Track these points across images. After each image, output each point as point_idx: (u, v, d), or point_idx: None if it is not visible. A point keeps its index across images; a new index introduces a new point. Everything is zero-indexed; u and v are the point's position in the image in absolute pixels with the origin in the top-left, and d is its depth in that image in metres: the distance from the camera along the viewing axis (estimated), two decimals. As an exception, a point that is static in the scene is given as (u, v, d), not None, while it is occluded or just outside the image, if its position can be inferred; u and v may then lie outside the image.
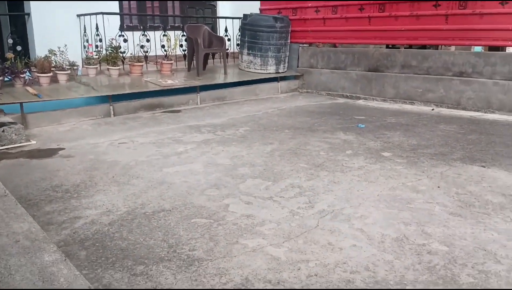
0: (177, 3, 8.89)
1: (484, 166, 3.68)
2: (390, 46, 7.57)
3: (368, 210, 2.84)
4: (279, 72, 7.87)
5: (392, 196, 3.06)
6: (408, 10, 6.62)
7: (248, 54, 7.81)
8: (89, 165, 3.81)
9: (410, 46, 7.26)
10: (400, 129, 5.08)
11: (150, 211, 2.84)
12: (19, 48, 6.58)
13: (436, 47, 7.79)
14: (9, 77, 5.76)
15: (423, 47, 7.29)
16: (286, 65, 8.08)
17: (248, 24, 7.73)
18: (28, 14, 6.92)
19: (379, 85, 7.06)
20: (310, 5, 7.88)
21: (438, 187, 3.23)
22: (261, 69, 7.76)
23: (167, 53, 7.46)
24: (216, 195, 3.11)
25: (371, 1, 7.00)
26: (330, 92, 7.68)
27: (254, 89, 7.49)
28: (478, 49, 7.66)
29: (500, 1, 5.76)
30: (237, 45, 8.43)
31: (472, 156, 3.97)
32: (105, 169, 3.69)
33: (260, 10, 8.62)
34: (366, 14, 7.12)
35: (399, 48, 7.09)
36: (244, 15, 7.86)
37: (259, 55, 7.71)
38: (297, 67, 8.22)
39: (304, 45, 8.19)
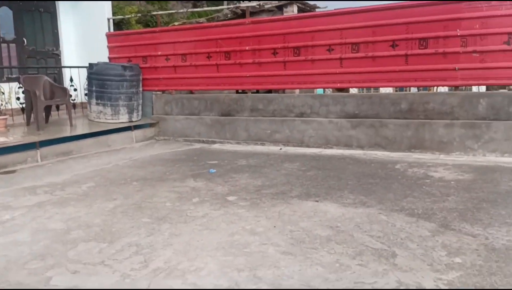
0: (14, 53, 8.18)
1: (317, 201, 3.95)
2: (240, 91, 7.93)
3: (204, 261, 2.79)
4: (132, 121, 7.66)
5: (230, 242, 3.07)
6: (251, 58, 7.07)
7: (97, 104, 7.47)
8: None
9: (258, 91, 7.71)
10: (248, 171, 5.25)
11: None
12: None
13: (283, 91, 8.41)
14: None
15: (269, 91, 7.80)
16: (140, 113, 7.92)
17: (94, 74, 7.43)
18: None
19: (232, 128, 7.31)
20: (160, 53, 7.92)
21: (275, 227, 3.35)
22: (112, 119, 7.46)
23: (1, 107, 6.74)
24: (39, 267, 2.77)
25: (217, 50, 7.32)
26: (187, 138, 7.69)
27: (106, 140, 7.13)
28: (320, 91, 8.44)
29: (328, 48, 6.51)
30: (85, 95, 8.02)
31: (308, 191, 4.26)
32: None
33: (109, 58, 8.40)
34: (214, 61, 7.40)
35: (247, 93, 7.48)
36: (89, 64, 7.55)
37: (109, 105, 7.42)
38: (152, 114, 8.11)
39: (158, 92, 8.15)
